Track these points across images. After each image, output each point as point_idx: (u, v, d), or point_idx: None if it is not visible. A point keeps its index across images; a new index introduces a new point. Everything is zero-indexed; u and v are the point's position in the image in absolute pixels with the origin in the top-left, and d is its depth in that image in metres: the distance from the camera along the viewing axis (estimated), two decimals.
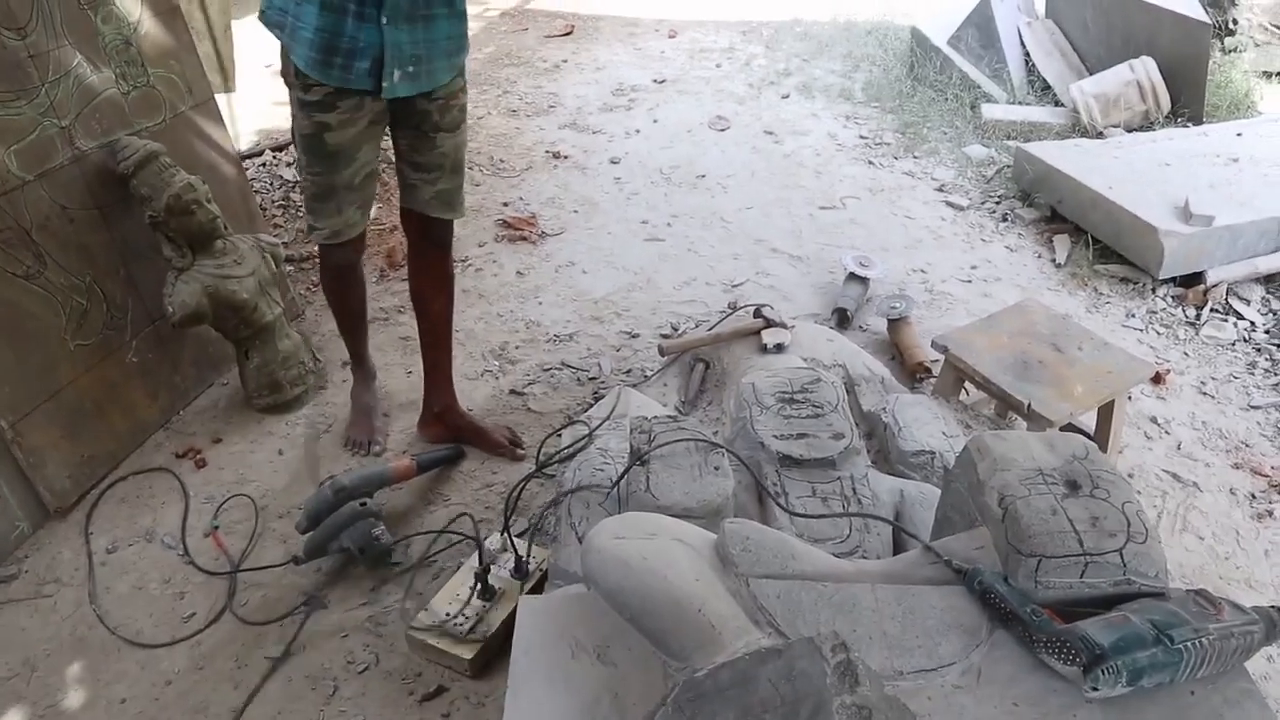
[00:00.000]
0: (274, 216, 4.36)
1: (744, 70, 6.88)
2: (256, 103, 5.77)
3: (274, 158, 4.68)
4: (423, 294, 2.90)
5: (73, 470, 2.82)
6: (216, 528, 2.77)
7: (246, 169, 4.47)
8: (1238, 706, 1.36)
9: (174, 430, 3.17)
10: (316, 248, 2.82)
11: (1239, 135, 4.91)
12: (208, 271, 2.98)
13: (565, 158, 5.38)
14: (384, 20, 2.25)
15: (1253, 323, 3.86)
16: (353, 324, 3.10)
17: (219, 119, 3.41)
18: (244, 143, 5.19)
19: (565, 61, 6.93)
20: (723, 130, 5.83)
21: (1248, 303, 3.98)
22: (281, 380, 3.21)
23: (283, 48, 2.35)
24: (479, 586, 2.37)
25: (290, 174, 4.64)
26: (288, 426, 3.21)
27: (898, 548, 2.29)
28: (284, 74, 2.40)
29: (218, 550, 2.71)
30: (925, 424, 2.74)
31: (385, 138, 2.64)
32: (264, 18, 2.35)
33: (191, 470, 3.00)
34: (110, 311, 2.93)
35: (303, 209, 2.61)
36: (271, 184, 4.50)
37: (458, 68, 2.51)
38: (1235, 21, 6.47)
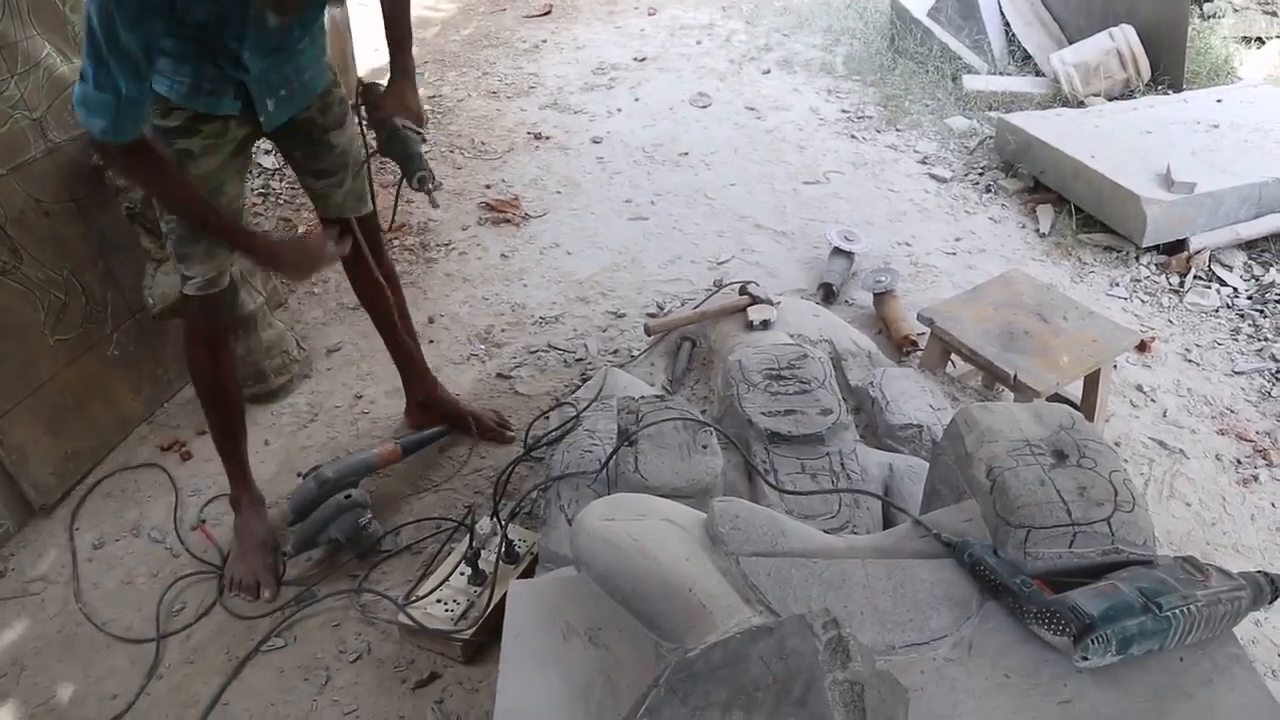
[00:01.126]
0: (254, 205, 4.32)
1: (725, 46, 6.84)
2: None
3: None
4: (369, 294, 2.79)
5: (56, 466, 2.80)
6: (204, 521, 2.76)
7: None
8: (1226, 672, 1.36)
9: (158, 423, 3.16)
10: (193, 301, 2.37)
11: (1219, 102, 4.91)
12: None
13: (547, 138, 5.35)
14: (245, 57, 2.05)
15: (1235, 289, 3.87)
16: (234, 419, 2.63)
17: None
18: None
19: (545, 41, 6.88)
20: (704, 107, 5.80)
21: (1230, 269, 3.99)
22: (265, 370, 3.19)
23: None
24: (469, 572, 2.37)
25: (271, 161, 4.59)
26: (273, 416, 3.19)
27: (887, 522, 2.30)
28: None
29: (206, 542, 2.69)
30: (912, 397, 2.74)
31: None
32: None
33: (177, 463, 2.99)
34: (89, 305, 2.90)
35: (175, 251, 2.34)
36: (250, 172, 4.46)
37: (327, 71, 2.37)
38: None
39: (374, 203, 2.64)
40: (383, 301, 2.79)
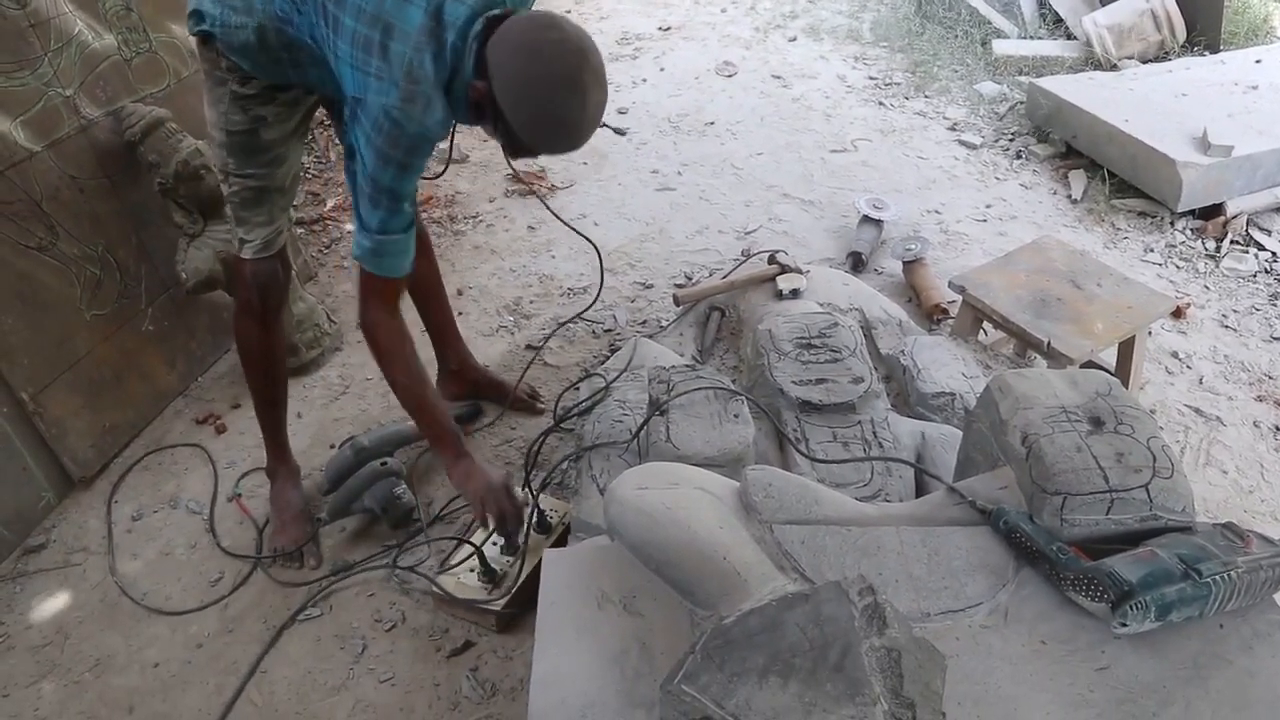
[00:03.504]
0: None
1: (749, 14, 6.78)
2: None
3: None
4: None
5: (95, 440, 2.83)
6: (239, 494, 2.79)
7: None
8: (1268, 639, 1.36)
9: (193, 397, 3.19)
10: (247, 265, 2.38)
11: (1258, 62, 4.83)
12: (219, 237, 2.96)
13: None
14: None
15: (1274, 253, 3.81)
16: (277, 388, 2.65)
17: None
18: None
19: (569, 11, 6.83)
20: (730, 76, 5.75)
21: (1269, 233, 3.93)
22: (297, 343, 3.21)
23: (208, 44, 2.10)
24: (501, 542, 2.38)
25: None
26: (305, 389, 3.21)
27: (920, 490, 2.29)
28: (209, 70, 2.14)
29: (242, 515, 2.72)
30: (944, 365, 2.73)
31: None
32: (193, 6, 2.07)
33: (212, 436, 3.01)
34: (124, 280, 2.92)
35: (235, 214, 2.34)
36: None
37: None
38: None
39: None
40: (423, 264, 2.75)
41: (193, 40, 2.13)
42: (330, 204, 4.24)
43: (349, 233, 4.07)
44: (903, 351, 2.83)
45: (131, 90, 2.93)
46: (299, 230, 3.93)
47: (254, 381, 2.60)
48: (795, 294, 3.13)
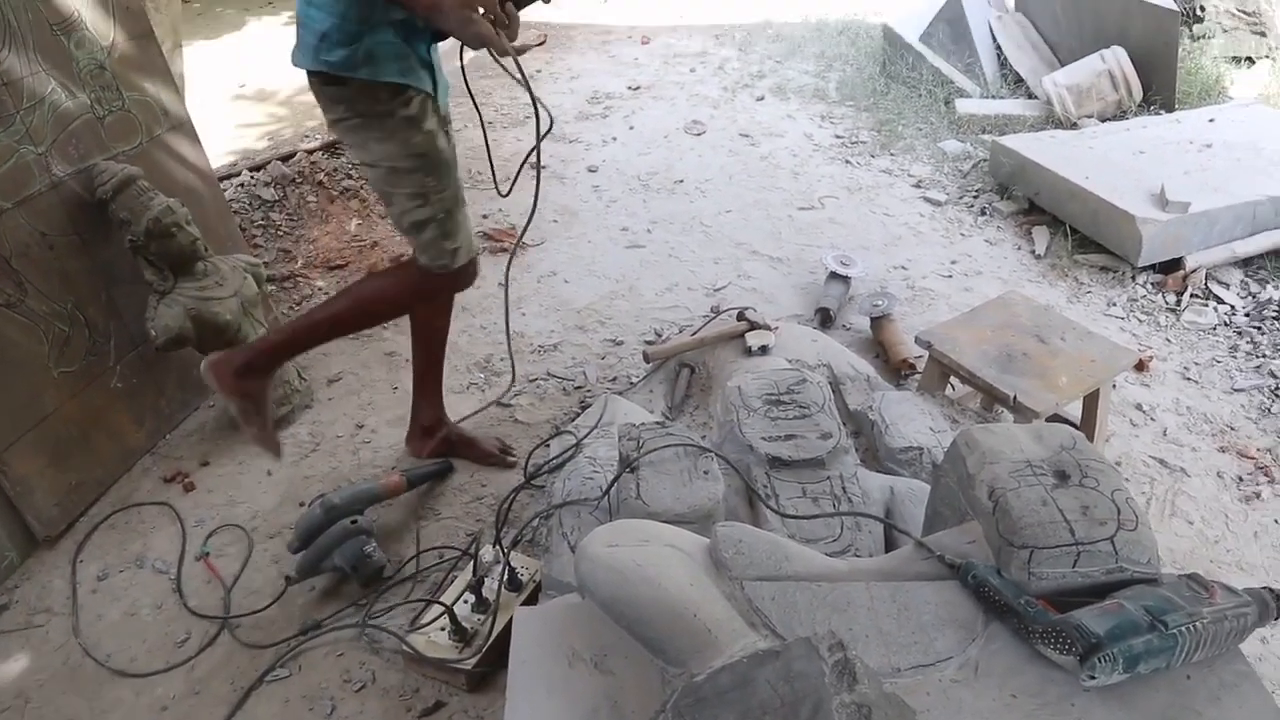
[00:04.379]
0: (254, 237, 4.33)
1: (718, 74, 6.90)
2: (220, 126, 5.75)
3: (251, 178, 4.66)
4: (425, 313, 2.85)
5: (60, 498, 2.80)
6: (207, 553, 2.76)
7: (225, 190, 4.45)
8: (1234, 689, 1.37)
9: (161, 455, 3.16)
10: (448, 271, 2.52)
11: (1211, 121, 4.96)
12: (190, 294, 2.96)
13: (543, 167, 5.37)
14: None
15: (1233, 306, 3.89)
16: (439, 366, 2.99)
17: (196, 141, 3.40)
18: (215, 165, 5.14)
19: (540, 71, 6.93)
20: (699, 135, 5.84)
21: (1227, 286, 4.02)
22: None
23: (346, 95, 2.23)
24: (473, 600, 2.37)
25: (270, 193, 4.61)
26: None
27: (889, 545, 2.30)
28: (368, 110, 2.25)
29: (210, 574, 2.69)
30: (912, 420, 2.75)
31: None
32: (328, 70, 2.18)
33: (180, 494, 2.98)
34: (93, 337, 2.91)
35: (441, 229, 2.43)
36: (250, 205, 4.48)
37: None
38: (1202, 8, 6.54)
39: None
40: (440, 319, 2.88)
41: (331, 98, 2.26)
42: (300, 261, 4.25)
43: (320, 289, 4.08)
44: (871, 407, 2.86)
45: (104, 148, 2.94)
46: (271, 287, 3.92)
47: (431, 361, 2.94)
48: (764, 350, 3.15)
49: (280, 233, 4.45)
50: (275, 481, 3.04)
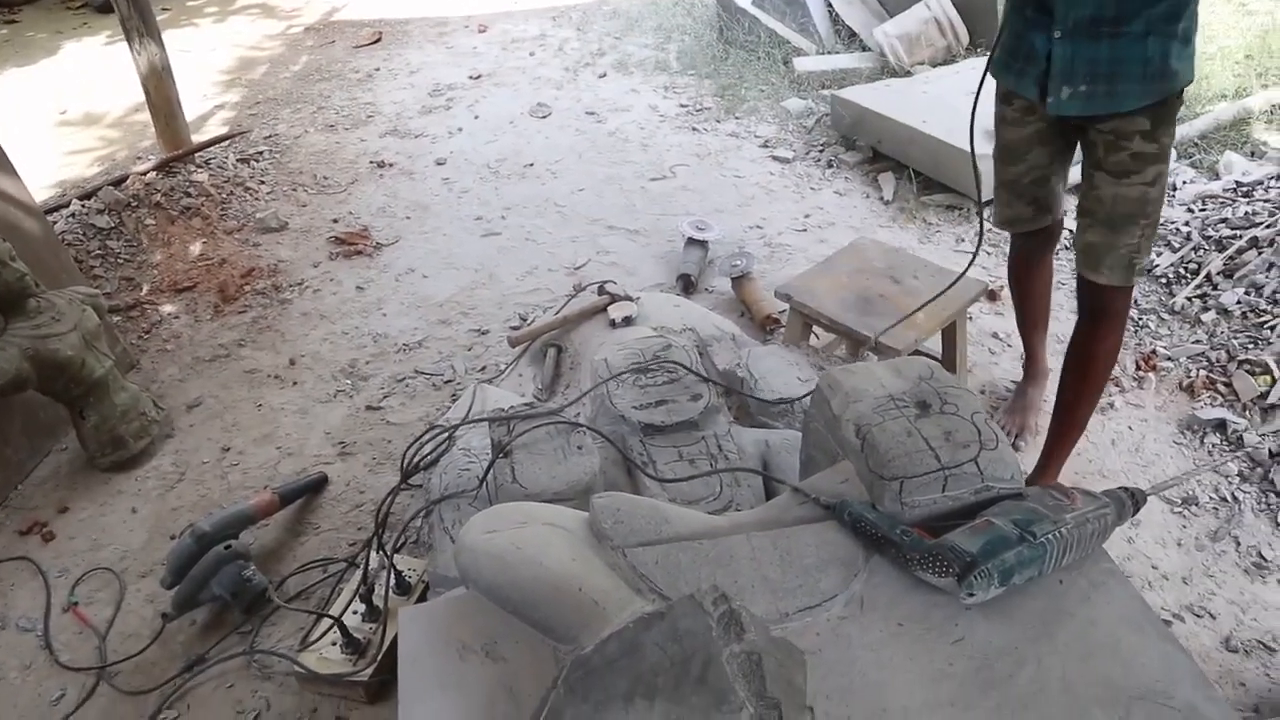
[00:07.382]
0: (92, 267, 4.12)
1: (558, 55, 6.85)
2: (46, 155, 5.46)
3: (83, 207, 4.43)
4: (1069, 359, 2.61)
5: None
6: (75, 602, 2.62)
7: (54, 222, 4.22)
8: (1102, 587, 1.41)
9: (14, 507, 2.98)
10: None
11: None
12: (24, 334, 2.80)
13: (390, 165, 5.26)
14: (1056, 34, 2.17)
15: (1070, 230, 4.03)
16: (1025, 317, 3.05)
17: (13, 173, 3.21)
18: (42, 196, 4.88)
19: (378, 69, 6.77)
20: (545, 117, 5.79)
21: (1067, 213, 4.15)
22: (124, 435, 3.05)
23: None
24: (363, 609, 2.30)
25: (104, 221, 4.38)
26: (137, 482, 3.05)
27: (769, 497, 2.31)
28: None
29: (80, 624, 2.55)
30: (780, 373, 2.77)
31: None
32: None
33: (39, 546, 2.82)
34: None
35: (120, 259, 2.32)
36: (85, 234, 4.25)
37: (1154, 95, 2.14)
38: None
39: (1113, 277, 2.37)
40: (1073, 375, 2.64)
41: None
42: (146, 288, 4.06)
43: (168, 315, 3.91)
44: (739, 364, 2.87)
45: None
46: (115, 318, 3.74)
47: (1015, 304, 3.08)
48: (628, 321, 3.14)
49: (120, 260, 4.25)
50: (141, 518, 2.90)
